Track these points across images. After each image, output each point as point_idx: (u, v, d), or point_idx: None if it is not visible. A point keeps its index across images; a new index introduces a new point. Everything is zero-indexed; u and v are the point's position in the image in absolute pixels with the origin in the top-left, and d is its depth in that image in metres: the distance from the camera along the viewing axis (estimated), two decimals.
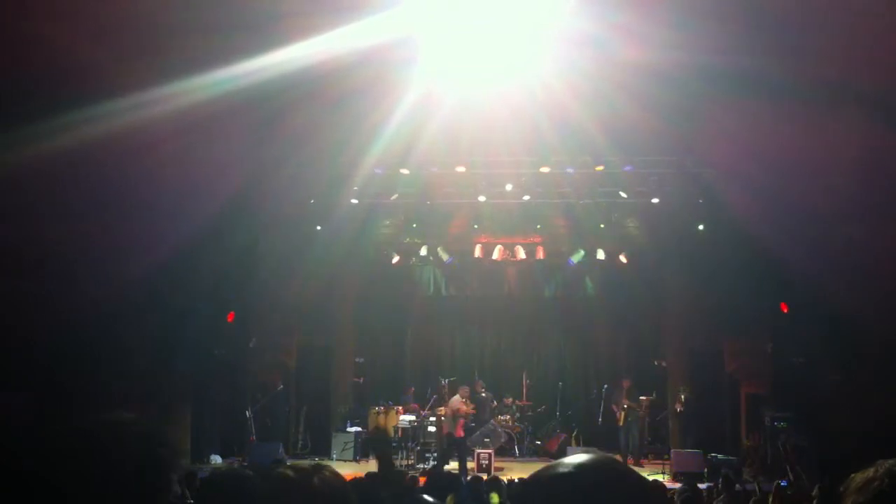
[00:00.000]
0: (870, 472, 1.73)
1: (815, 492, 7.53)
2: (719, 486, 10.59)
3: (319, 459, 16.45)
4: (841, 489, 1.79)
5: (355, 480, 8.92)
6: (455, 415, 15.20)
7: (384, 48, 10.01)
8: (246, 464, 14.17)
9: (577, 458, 1.56)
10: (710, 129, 12.25)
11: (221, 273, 14.26)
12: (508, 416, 17.40)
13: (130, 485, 1.71)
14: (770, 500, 8.28)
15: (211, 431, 15.63)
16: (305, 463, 2.07)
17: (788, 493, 8.47)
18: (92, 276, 11.32)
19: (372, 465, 15.32)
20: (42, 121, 9.38)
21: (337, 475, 2.03)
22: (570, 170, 15.21)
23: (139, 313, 13.48)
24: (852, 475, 1.77)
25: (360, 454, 16.71)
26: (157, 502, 1.77)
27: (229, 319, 15.67)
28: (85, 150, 9.82)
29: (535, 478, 1.57)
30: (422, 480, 10.03)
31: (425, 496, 3.56)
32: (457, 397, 15.53)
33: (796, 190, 12.03)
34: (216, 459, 15.03)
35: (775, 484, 9.19)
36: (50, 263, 10.97)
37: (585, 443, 16.91)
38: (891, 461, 1.73)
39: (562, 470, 1.54)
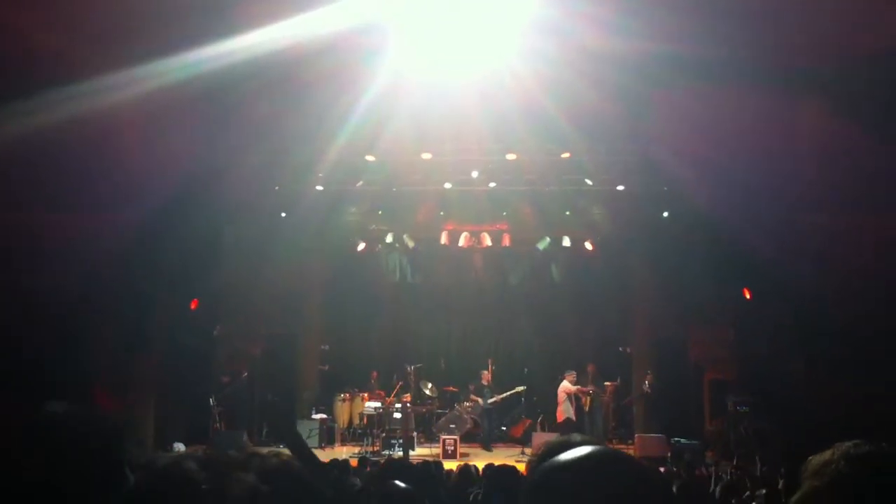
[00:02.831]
0: (827, 454, 1.73)
1: (778, 478, 7.66)
2: (681, 470, 10.72)
3: (284, 447, 16.42)
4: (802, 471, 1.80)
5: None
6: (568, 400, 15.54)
7: (350, 35, 9.94)
8: (209, 452, 14.09)
9: (581, 450, 1.53)
10: (674, 118, 12.31)
11: (186, 261, 14.13)
12: (471, 404, 17.44)
13: (84, 475, 1.70)
14: (731, 482, 8.39)
15: (175, 419, 15.52)
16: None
17: (749, 476, 8.60)
18: (55, 264, 11.17)
19: (338, 452, 15.35)
20: (2, 106, 9.23)
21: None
22: (536, 157, 15.23)
23: (102, 301, 13.33)
24: (810, 458, 1.78)
25: (326, 441, 16.70)
26: (111, 491, 1.75)
27: (193, 307, 15.54)
28: (47, 136, 9.67)
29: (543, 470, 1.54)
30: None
31: (397, 482, 3.57)
32: (566, 383, 15.70)
33: (760, 178, 12.15)
34: (180, 447, 14.92)
35: (735, 467, 9.33)
36: (12, 251, 10.81)
37: (550, 428, 17.00)
38: (847, 444, 1.73)
39: (564, 461, 1.52)
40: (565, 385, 16.10)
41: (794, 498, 1.75)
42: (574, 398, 16.53)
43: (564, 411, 15.92)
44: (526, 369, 18.43)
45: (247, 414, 17.02)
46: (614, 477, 1.45)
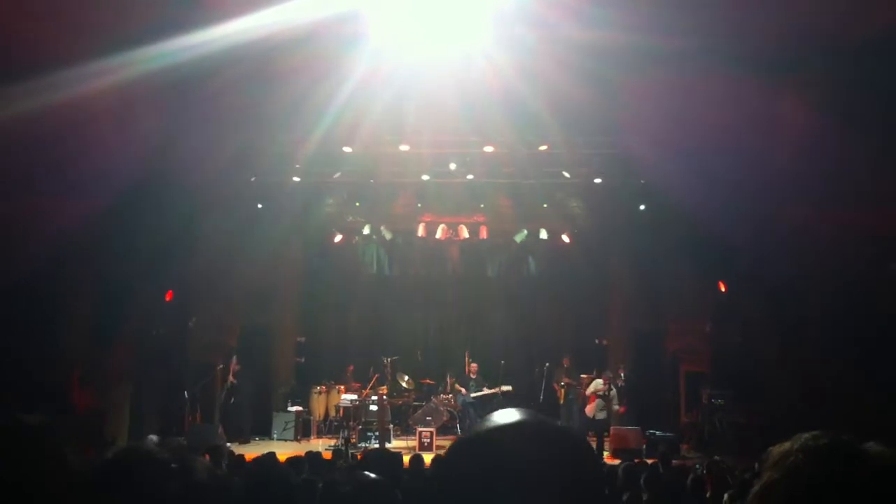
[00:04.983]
0: (787, 445, 1.70)
1: (756, 468, 7.67)
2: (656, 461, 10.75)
3: (260, 439, 16.39)
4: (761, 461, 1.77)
5: (292, 459, 8.89)
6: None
7: (328, 24, 9.89)
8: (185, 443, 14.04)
9: (500, 416, 1.46)
10: (653, 110, 12.34)
11: (161, 251, 14.02)
12: (451, 395, 17.43)
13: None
14: (705, 474, 8.42)
15: (150, 412, 15.40)
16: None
17: (723, 468, 8.63)
18: (26, 253, 11.05)
19: (314, 444, 15.30)
20: None
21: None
22: (514, 149, 15.24)
23: (76, 292, 13.22)
24: (770, 448, 1.75)
25: (301, 434, 16.66)
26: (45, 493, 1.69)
27: (167, 298, 15.41)
28: (20, 124, 9.56)
29: (456, 442, 1.49)
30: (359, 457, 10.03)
31: (366, 472, 3.55)
32: (599, 381, 15.59)
33: (737, 170, 12.21)
34: (154, 440, 14.81)
35: (710, 460, 9.37)
36: None
37: None
38: (808, 434, 1.70)
39: (481, 431, 1.45)
40: (597, 384, 15.84)
41: (754, 490, 1.73)
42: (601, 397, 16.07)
43: (592, 410, 15.70)
44: (503, 361, 18.31)
45: (223, 406, 16.89)
46: (532, 445, 1.40)
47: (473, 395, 16.99)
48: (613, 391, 15.77)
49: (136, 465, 1.66)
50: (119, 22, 9.59)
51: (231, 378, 16.60)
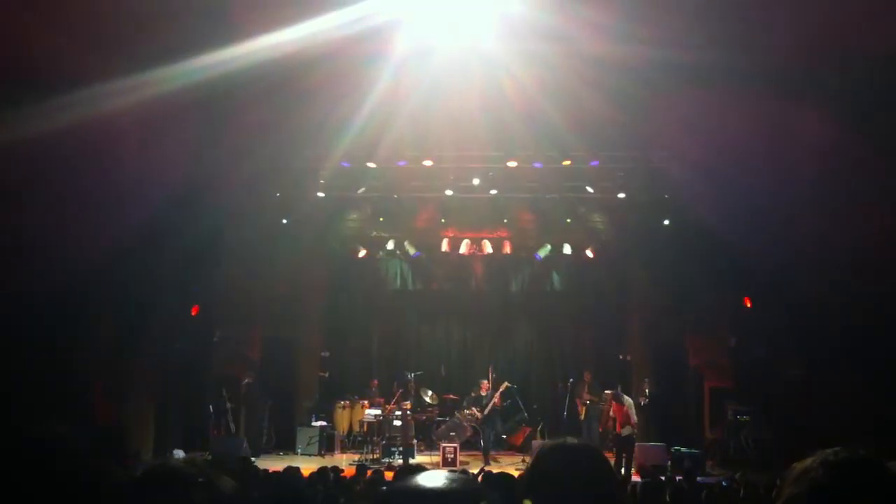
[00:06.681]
0: (808, 461, 1.72)
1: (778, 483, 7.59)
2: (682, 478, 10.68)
3: (284, 454, 16.42)
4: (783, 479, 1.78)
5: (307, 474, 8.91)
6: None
7: (352, 41, 9.96)
8: (210, 457, 14.11)
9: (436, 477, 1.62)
10: (675, 124, 12.32)
11: (185, 265, 14.12)
12: (474, 410, 17.35)
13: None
14: (734, 490, 8.38)
15: (174, 426, 15.49)
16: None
17: (748, 485, 8.57)
18: (52, 267, 11.17)
19: (337, 460, 15.32)
20: (5, 110, 9.24)
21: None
22: (537, 164, 15.26)
23: (100, 306, 13.32)
24: (793, 464, 1.76)
25: (325, 449, 16.66)
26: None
27: (193, 313, 15.52)
28: (46, 140, 9.68)
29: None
30: (388, 475, 10.01)
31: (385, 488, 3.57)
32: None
33: (761, 184, 12.15)
34: (179, 454, 14.89)
35: (735, 476, 9.31)
36: (9, 253, 10.78)
37: (550, 436, 16.90)
38: (829, 451, 1.72)
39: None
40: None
41: None
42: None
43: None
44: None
45: (247, 420, 16.94)
46: None
47: (485, 412, 16.71)
48: (628, 402, 15.46)
49: (166, 482, 1.69)
50: (146, 40, 9.72)
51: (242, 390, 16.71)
